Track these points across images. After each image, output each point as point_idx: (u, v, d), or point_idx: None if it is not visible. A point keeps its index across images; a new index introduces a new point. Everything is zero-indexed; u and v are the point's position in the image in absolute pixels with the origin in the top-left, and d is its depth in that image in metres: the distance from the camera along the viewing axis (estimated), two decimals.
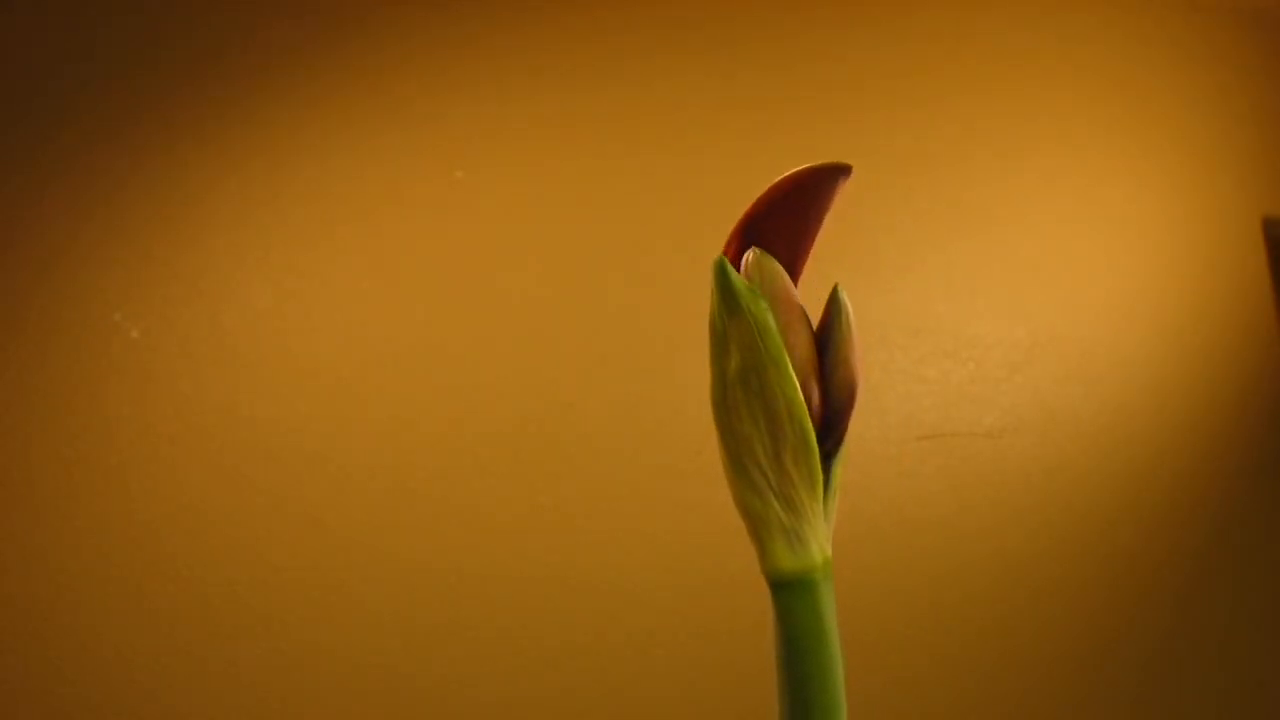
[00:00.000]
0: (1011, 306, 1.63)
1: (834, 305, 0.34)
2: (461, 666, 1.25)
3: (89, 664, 1.14)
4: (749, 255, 0.33)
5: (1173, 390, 1.70)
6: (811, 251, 0.35)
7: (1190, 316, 1.75)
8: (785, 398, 0.29)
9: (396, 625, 1.24)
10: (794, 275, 0.34)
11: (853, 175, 0.37)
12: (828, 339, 0.33)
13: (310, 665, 1.20)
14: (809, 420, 0.30)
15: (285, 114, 1.36)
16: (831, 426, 0.32)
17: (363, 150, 1.37)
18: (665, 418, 1.39)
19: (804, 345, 0.32)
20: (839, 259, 1.51)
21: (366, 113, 1.39)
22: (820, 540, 0.29)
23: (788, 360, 0.30)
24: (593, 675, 1.29)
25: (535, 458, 1.33)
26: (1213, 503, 1.69)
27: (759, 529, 0.29)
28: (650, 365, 1.42)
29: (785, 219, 0.34)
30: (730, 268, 0.31)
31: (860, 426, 1.49)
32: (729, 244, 0.33)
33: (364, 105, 1.39)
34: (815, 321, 0.34)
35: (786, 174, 0.35)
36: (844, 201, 1.41)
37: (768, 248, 0.33)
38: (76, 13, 1.31)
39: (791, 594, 0.28)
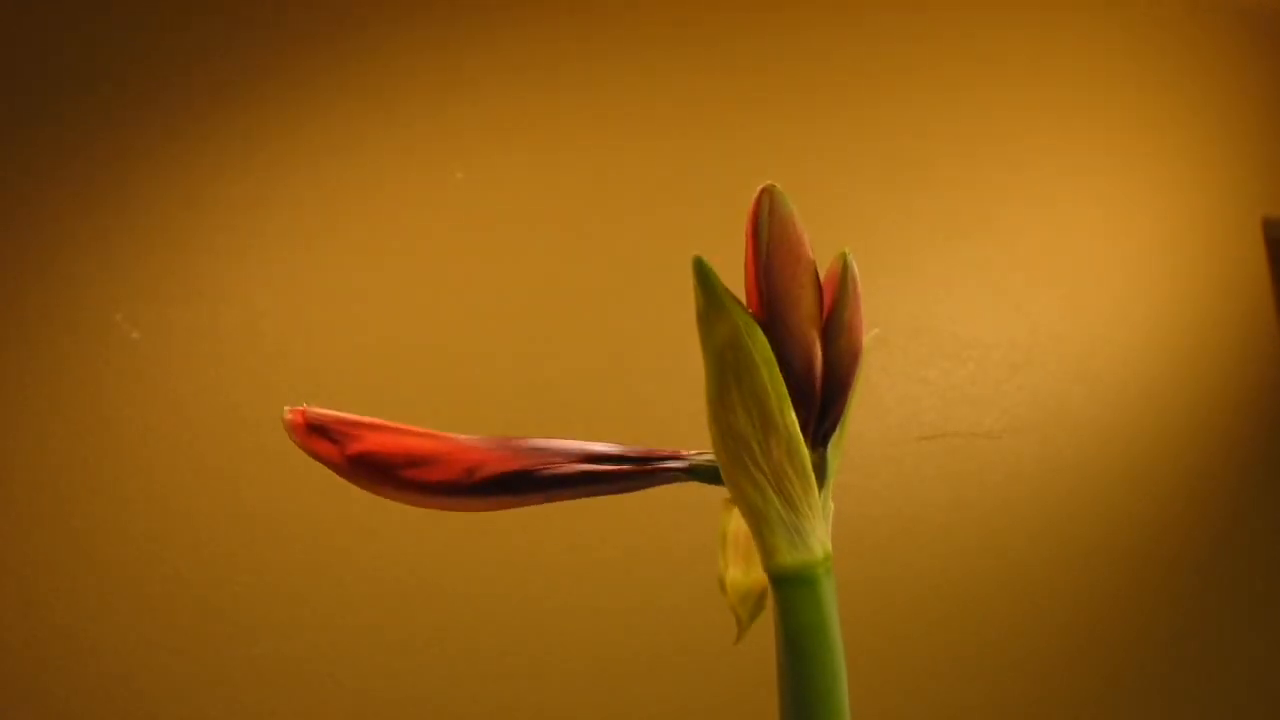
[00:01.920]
0: (1011, 306, 1.63)
1: (841, 271, 0.33)
2: (461, 667, 1.25)
3: (88, 664, 1.14)
4: (763, 194, 0.32)
5: (1173, 390, 1.70)
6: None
7: (1190, 316, 1.75)
8: (775, 394, 0.29)
9: (396, 626, 1.24)
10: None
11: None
12: (832, 305, 0.33)
13: (311, 666, 1.20)
14: (795, 418, 0.30)
15: (285, 114, 1.36)
16: (833, 398, 0.32)
17: (363, 150, 1.37)
18: (666, 417, 1.39)
19: (809, 301, 0.31)
20: None
21: (367, 113, 1.39)
22: (820, 535, 0.29)
23: (774, 359, 0.30)
24: (593, 673, 1.29)
25: None
26: (1213, 502, 1.69)
27: (760, 525, 0.29)
28: (651, 364, 1.42)
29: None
30: (709, 268, 0.31)
31: (860, 427, 1.49)
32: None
33: (364, 105, 1.39)
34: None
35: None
36: (844, 202, 1.40)
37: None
38: (75, 12, 1.31)
39: (793, 589, 0.28)
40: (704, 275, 0.30)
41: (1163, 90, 1.87)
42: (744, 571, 0.33)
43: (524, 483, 0.35)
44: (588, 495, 0.36)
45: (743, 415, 0.29)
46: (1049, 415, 1.61)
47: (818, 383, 0.31)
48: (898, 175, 1.62)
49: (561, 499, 0.36)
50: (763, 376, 0.29)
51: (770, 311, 0.32)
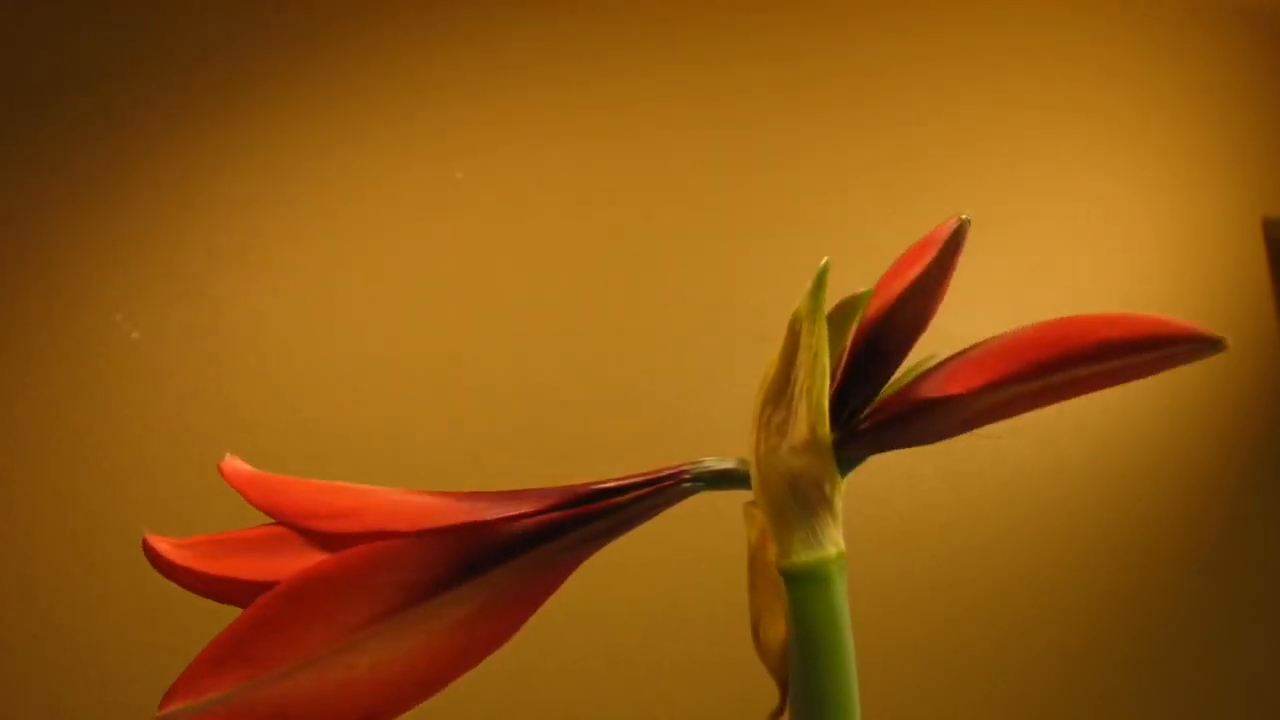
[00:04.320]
0: (1011, 306, 1.63)
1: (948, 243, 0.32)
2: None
3: (88, 664, 1.14)
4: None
5: (1173, 390, 1.70)
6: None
7: (1190, 316, 1.71)
8: (821, 402, 0.29)
9: None
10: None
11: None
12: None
13: None
14: (828, 422, 0.30)
15: (285, 113, 1.36)
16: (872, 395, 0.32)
17: (363, 150, 1.37)
18: (667, 418, 1.39)
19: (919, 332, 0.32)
20: (839, 261, 1.50)
21: (366, 112, 1.39)
22: (834, 534, 0.29)
23: (828, 376, 0.30)
24: (593, 675, 1.29)
25: (536, 458, 1.33)
26: (1214, 502, 1.69)
27: (776, 520, 0.29)
28: (652, 364, 1.42)
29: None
30: (825, 279, 0.30)
31: None
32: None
33: (364, 105, 1.39)
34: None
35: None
36: (844, 201, 1.40)
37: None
38: (75, 11, 1.31)
39: (806, 586, 0.29)
40: (821, 282, 0.30)
41: (1163, 90, 1.87)
42: (780, 623, 0.31)
43: (503, 542, 0.29)
44: (597, 542, 0.31)
45: (787, 413, 0.29)
46: (1049, 415, 1.61)
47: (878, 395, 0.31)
48: (898, 175, 1.62)
49: (564, 559, 0.31)
50: (819, 384, 0.29)
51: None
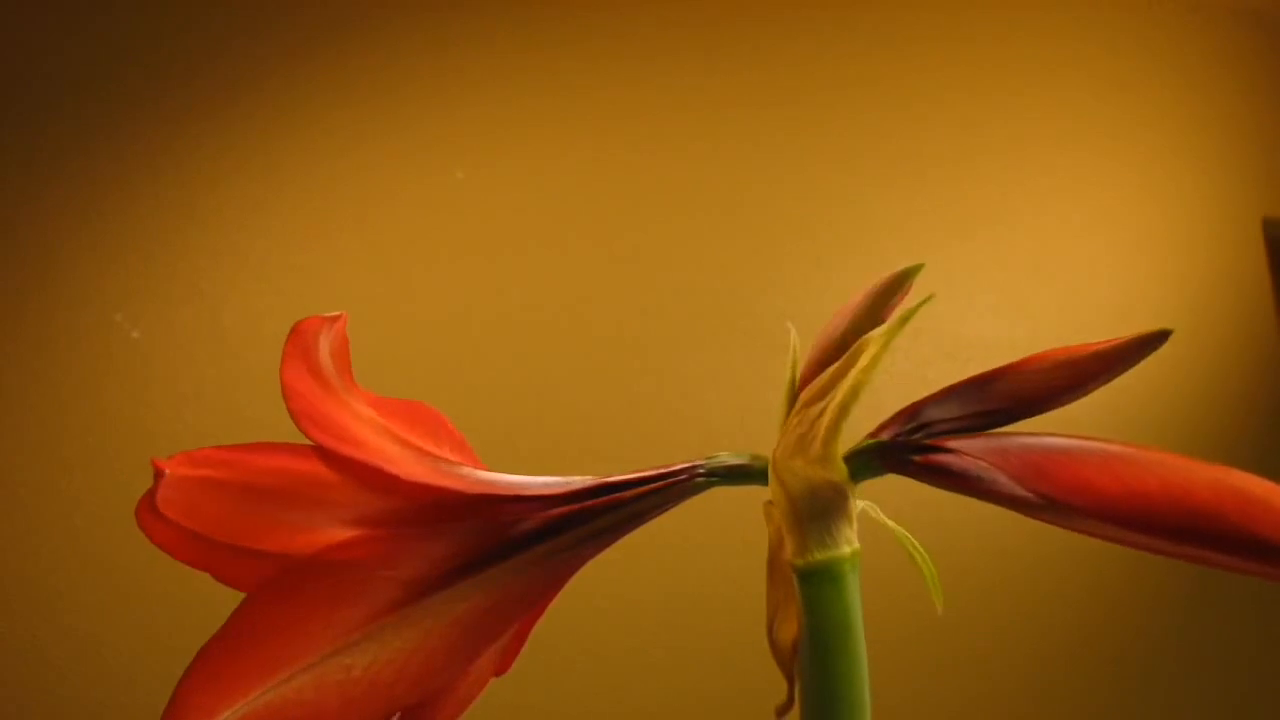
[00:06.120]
0: (1011, 306, 1.63)
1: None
2: None
3: (91, 665, 1.14)
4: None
5: (1173, 390, 1.70)
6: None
7: (1190, 316, 1.76)
8: (842, 414, 0.29)
9: None
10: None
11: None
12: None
13: None
14: (839, 436, 0.30)
15: (285, 114, 1.36)
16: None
17: (363, 150, 1.37)
18: (667, 419, 1.39)
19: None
20: (839, 261, 1.51)
21: (367, 112, 1.38)
22: (848, 533, 0.29)
23: (857, 398, 0.30)
24: (594, 680, 1.29)
25: (536, 459, 1.33)
26: None
27: (791, 519, 0.29)
28: (652, 365, 1.42)
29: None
30: (911, 316, 0.30)
31: (861, 427, 1.49)
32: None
33: (364, 105, 1.39)
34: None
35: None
36: (845, 203, 1.40)
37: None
38: (75, 12, 1.30)
39: (819, 584, 0.29)
40: (907, 318, 0.30)
41: (1163, 90, 1.87)
42: (792, 621, 0.30)
43: (508, 537, 0.28)
44: (604, 539, 0.31)
45: (813, 423, 0.29)
46: (1049, 416, 1.61)
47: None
48: (898, 175, 1.62)
49: (570, 555, 0.29)
50: (848, 402, 0.30)
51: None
